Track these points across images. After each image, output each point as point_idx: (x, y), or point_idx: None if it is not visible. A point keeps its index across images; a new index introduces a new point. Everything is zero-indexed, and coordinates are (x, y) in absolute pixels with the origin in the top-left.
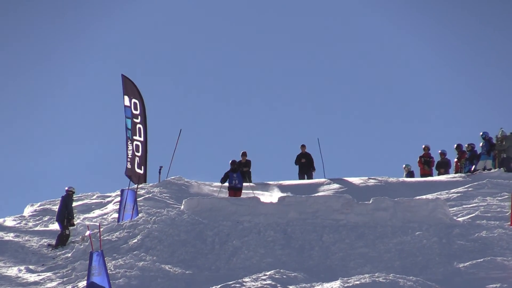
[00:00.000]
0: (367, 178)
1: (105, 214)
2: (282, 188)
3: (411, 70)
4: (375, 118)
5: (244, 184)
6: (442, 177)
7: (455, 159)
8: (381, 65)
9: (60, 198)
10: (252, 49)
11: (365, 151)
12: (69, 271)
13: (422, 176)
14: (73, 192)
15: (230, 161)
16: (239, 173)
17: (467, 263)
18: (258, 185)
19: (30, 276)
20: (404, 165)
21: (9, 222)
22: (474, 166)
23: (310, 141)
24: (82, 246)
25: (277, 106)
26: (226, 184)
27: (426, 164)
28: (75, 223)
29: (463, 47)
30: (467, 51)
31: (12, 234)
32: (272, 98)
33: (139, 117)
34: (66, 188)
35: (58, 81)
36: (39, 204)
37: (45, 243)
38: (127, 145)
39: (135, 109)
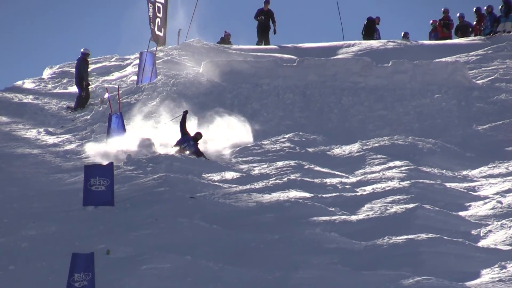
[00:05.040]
0: (386, 40)
1: (124, 76)
2: (299, 50)
3: None
4: None
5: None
6: (462, 40)
7: (474, 22)
8: None
9: (76, 61)
10: None
11: (383, 13)
12: (88, 133)
13: (441, 39)
14: (88, 54)
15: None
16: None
17: (486, 126)
18: (276, 47)
19: (50, 138)
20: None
21: (28, 84)
22: (493, 29)
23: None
24: (101, 109)
25: None
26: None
27: (445, 27)
28: (90, 83)
29: None
30: None
31: (31, 96)
32: None
33: None
34: (82, 50)
35: None
36: (58, 66)
37: (64, 106)
38: (148, 6)
39: None
